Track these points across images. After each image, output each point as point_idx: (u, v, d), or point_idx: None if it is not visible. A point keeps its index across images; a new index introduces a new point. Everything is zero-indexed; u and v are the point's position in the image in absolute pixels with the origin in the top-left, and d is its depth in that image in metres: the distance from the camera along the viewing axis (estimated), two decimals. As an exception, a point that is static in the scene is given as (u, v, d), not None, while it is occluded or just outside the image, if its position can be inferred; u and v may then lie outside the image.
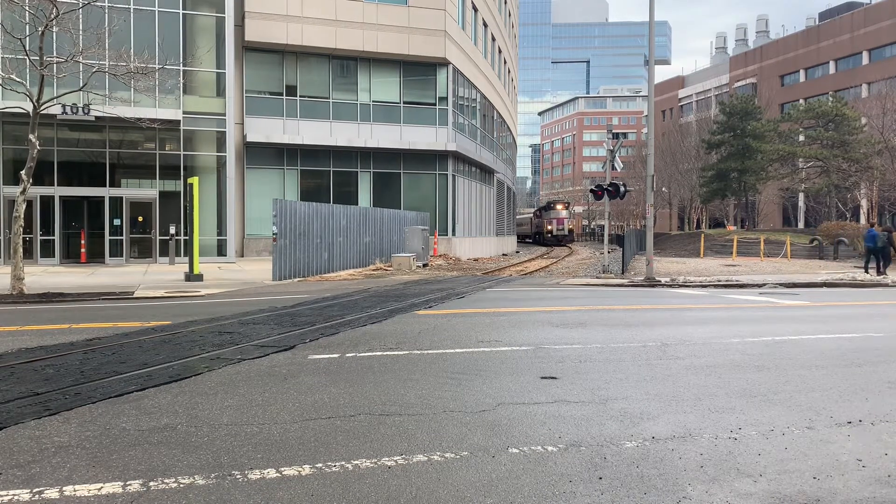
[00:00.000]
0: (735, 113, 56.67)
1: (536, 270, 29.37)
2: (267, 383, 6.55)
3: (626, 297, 15.96)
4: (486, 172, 42.72)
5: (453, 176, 34.81)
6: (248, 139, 30.15)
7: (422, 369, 7.26)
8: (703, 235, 45.95)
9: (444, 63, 33.76)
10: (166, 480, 4.05)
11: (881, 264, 23.46)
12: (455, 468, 4.30)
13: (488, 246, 42.96)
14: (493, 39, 45.51)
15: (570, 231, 70.01)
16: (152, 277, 19.88)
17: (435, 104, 34.17)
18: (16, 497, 3.81)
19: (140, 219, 26.76)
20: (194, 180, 19.59)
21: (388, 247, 27.61)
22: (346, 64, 32.84)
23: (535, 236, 73.04)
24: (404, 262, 24.54)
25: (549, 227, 68.49)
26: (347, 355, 7.98)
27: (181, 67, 25.63)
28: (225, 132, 27.59)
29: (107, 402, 5.79)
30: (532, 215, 79.79)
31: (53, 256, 25.58)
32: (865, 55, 65.09)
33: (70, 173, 26.14)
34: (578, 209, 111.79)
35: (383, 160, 33.31)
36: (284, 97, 31.68)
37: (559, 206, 71.71)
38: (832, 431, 5.22)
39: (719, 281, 20.63)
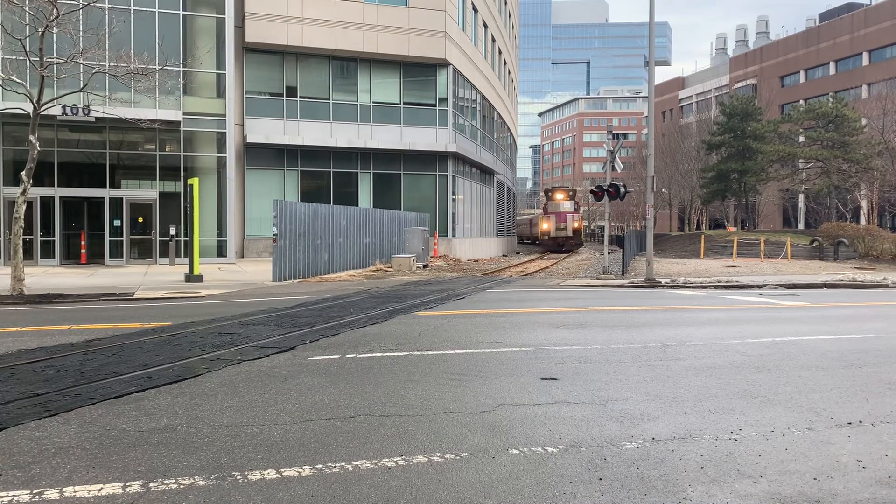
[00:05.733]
0: (735, 114, 56.69)
1: (536, 271, 29.36)
2: (267, 384, 6.54)
3: (626, 298, 15.96)
4: (486, 173, 42.74)
5: (453, 177, 34.82)
6: (249, 140, 30.15)
7: (422, 370, 7.25)
8: (703, 236, 45.93)
9: (445, 64, 33.77)
10: (166, 481, 4.05)
11: None
12: (455, 469, 4.30)
13: (488, 247, 42.96)
14: (494, 40, 45.54)
15: (576, 232, 51.64)
16: (152, 278, 19.87)
17: (435, 105, 34.19)
18: (16, 498, 3.80)
19: (140, 220, 26.76)
20: (194, 181, 19.58)
21: (388, 248, 27.62)
22: (346, 65, 32.86)
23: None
24: (404, 263, 24.53)
25: (546, 227, 51.56)
26: (347, 356, 7.98)
27: (181, 68, 25.64)
28: (225, 133, 27.60)
29: (107, 403, 5.79)
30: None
31: (53, 257, 25.58)
32: (865, 56, 65.11)
33: (70, 174, 26.14)
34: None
35: (383, 161, 33.31)
36: (284, 98, 31.69)
37: (559, 196, 53.24)
38: (832, 432, 5.22)
39: (719, 282, 20.62)
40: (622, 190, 23.64)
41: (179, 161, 27.09)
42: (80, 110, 23.42)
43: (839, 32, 68.17)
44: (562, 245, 50.83)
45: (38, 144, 15.79)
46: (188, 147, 27.30)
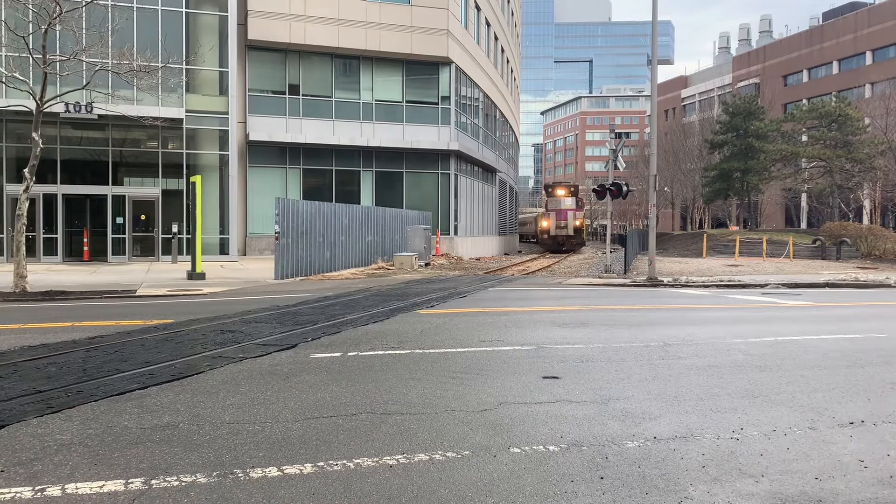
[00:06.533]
0: (738, 113, 56.61)
1: (538, 270, 29.35)
2: (269, 382, 6.55)
3: (628, 297, 15.95)
4: (488, 172, 42.71)
5: (455, 175, 34.80)
6: (251, 138, 30.17)
7: (424, 368, 7.25)
8: (705, 235, 45.89)
9: (447, 62, 33.75)
10: (168, 478, 4.06)
11: None
12: (456, 467, 4.30)
13: (490, 245, 42.94)
14: (496, 38, 45.49)
15: (577, 231, 48.82)
16: (155, 276, 19.90)
17: (437, 103, 34.18)
18: (18, 494, 3.81)
19: (143, 217, 26.80)
20: (197, 179, 19.60)
21: (390, 246, 27.62)
22: (349, 63, 32.86)
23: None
24: (406, 262, 24.54)
25: (545, 225, 49.40)
26: (349, 354, 7.98)
27: (184, 66, 25.63)
28: (227, 131, 27.61)
29: (109, 400, 5.80)
30: None
31: (56, 254, 25.62)
32: (869, 55, 64.97)
33: (73, 171, 26.17)
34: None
35: (385, 159, 33.31)
36: (287, 96, 31.69)
37: (560, 192, 50.52)
38: (834, 432, 5.21)
39: (722, 281, 20.60)
40: (624, 189, 23.61)
41: (182, 159, 27.11)
42: (83, 108, 23.44)
43: (842, 32, 68.02)
44: (562, 244, 48.22)
45: (40, 142, 15.81)
46: (191, 145, 27.31)
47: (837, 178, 49.80)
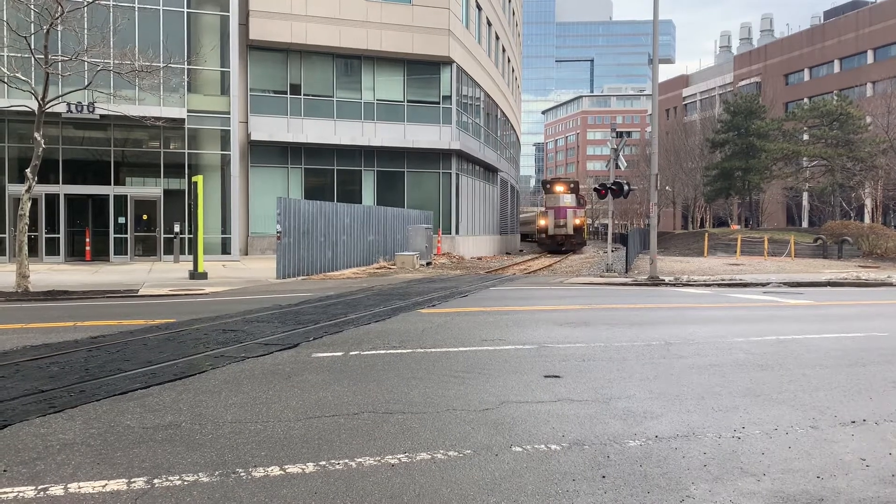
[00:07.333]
0: (739, 112, 56.53)
1: (540, 269, 29.34)
2: (271, 381, 6.56)
3: (629, 296, 15.94)
4: (489, 171, 42.71)
5: (457, 175, 34.80)
6: (253, 137, 30.18)
7: (425, 368, 7.26)
8: (706, 234, 45.85)
9: (448, 62, 33.75)
10: (170, 478, 4.06)
11: None
12: (458, 466, 4.31)
13: (492, 245, 42.94)
14: (497, 38, 45.48)
15: (577, 230, 46.24)
16: (157, 275, 19.92)
17: (439, 103, 34.18)
18: (21, 494, 3.82)
19: (144, 217, 26.82)
20: (199, 178, 19.61)
21: (391, 245, 27.62)
22: (350, 62, 32.88)
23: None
24: (408, 261, 24.54)
25: (543, 223, 46.56)
26: (351, 353, 7.99)
27: (185, 66, 25.64)
28: (229, 130, 27.62)
29: (111, 400, 5.81)
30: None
31: (58, 254, 25.65)
32: (870, 54, 64.87)
33: (75, 171, 26.19)
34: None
35: (387, 159, 33.31)
36: (288, 96, 31.71)
37: (559, 189, 47.60)
38: (836, 431, 5.21)
39: (723, 280, 20.59)
40: (626, 188, 23.61)
41: (184, 158, 27.13)
42: (85, 108, 23.45)
43: (844, 30, 67.94)
44: (561, 244, 45.27)
45: (43, 142, 15.83)
46: (192, 144, 27.33)
47: (839, 177, 49.74)
